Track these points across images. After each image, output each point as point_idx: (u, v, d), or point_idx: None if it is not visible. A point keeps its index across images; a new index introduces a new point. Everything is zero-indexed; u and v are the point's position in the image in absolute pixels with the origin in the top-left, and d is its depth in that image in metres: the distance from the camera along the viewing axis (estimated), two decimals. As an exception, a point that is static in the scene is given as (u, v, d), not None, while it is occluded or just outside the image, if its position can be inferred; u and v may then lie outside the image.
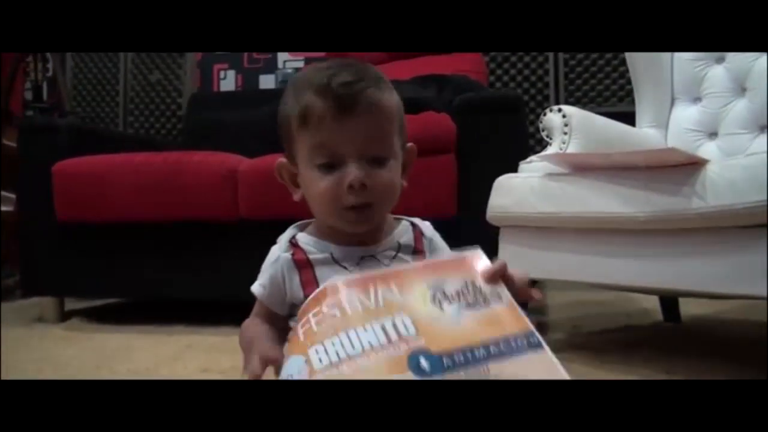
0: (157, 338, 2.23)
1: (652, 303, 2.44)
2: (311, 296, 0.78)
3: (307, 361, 0.72)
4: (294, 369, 0.73)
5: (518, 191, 1.82)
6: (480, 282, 0.79)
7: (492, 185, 1.89)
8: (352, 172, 0.85)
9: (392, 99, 0.91)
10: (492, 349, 0.73)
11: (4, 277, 3.27)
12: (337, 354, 0.71)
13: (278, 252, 0.93)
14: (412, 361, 0.71)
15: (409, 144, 0.96)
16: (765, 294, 1.35)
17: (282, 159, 0.96)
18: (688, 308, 2.37)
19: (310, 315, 0.76)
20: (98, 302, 2.95)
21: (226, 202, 2.40)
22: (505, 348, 0.73)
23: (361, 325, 0.73)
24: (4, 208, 3.30)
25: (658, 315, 2.39)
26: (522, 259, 1.84)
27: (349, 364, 0.70)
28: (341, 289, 0.77)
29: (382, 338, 0.72)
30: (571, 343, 2.08)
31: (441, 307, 0.76)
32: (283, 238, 0.95)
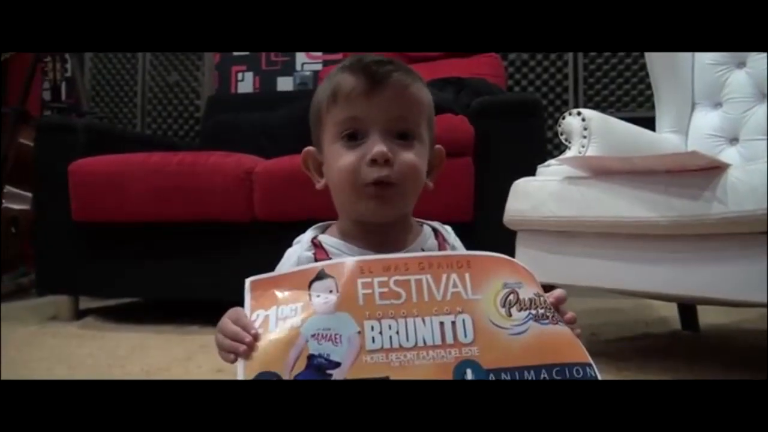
0: (170, 338, 2.23)
1: (671, 311, 2.41)
2: (383, 258, 0.77)
3: (361, 334, 0.71)
4: (343, 330, 0.71)
5: (536, 195, 1.80)
6: (550, 301, 0.78)
7: (509, 189, 1.87)
8: (376, 145, 0.84)
9: (422, 90, 0.91)
10: (543, 373, 0.72)
11: (20, 275, 3.29)
12: (391, 340, 0.71)
13: (298, 251, 0.92)
14: (458, 371, 0.71)
15: (438, 146, 0.95)
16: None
17: (310, 147, 0.96)
18: (706, 317, 2.34)
19: (376, 280, 0.74)
20: (112, 302, 2.95)
21: (242, 203, 2.39)
22: (558, 375, 0.72)
23: (422, 316, 0.72)
24: (20, 207, 3.32)
25: (677, 323, 2.36)
26: (539, 263, 1.81)
27: (398, 355, 0.70)
28: (414, 268, 0.75)
29: (438, 337, 0.72)
30: (588, 350, 2.04)
31: (510, 312, 0.75)
32: (304, 238, 0.94)
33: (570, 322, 0.79)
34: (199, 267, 2.45)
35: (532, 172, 1.92)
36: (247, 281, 0.77)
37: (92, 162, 2.55)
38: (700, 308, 2.31)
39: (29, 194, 3.26)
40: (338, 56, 3.84)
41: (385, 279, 0.74)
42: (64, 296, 2.64)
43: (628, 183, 1.58)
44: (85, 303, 2.77)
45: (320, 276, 0.75)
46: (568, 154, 1.91)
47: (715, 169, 1.43)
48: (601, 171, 1.69)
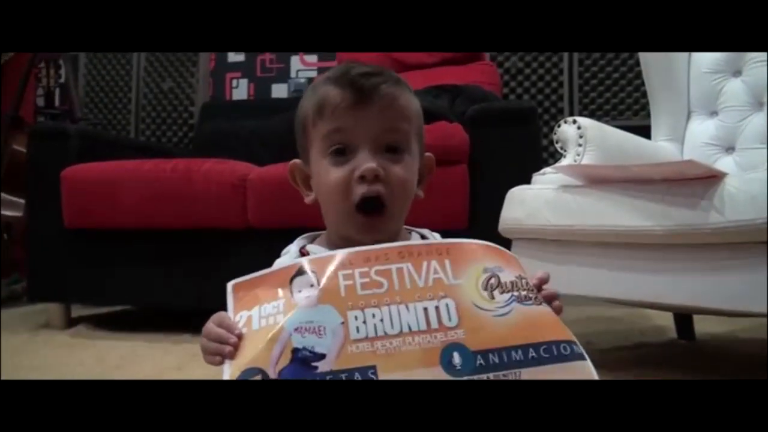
0: (162, 347, 2.21)
1: (666, 320, 2.39)
2: (363, 249, 0.76)
3: (345, 324, 0.71)
4: (327, 322, 0.71)
5: (531, 203, 1.78)
6: (533, 282, 0.78)
7: (505, 197, 1.85)
8: (365, 160, 0.83)
9: (411, 100, 0.89)
10: (531, 352, 0.72)
11: (12, 282, 3.26)
12: (375, 328, 0.71)
13: (286, 262, 0.90)
14: (445, 354, 0.70)
15: (428, 153, 0.93)
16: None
17: (296, 160, 0.94)
18: (702, 326, 2.33)
19: (357, 271, 0.73)
20: (105, 309, 2.93)
21: (235, 210, 2.38)
22: (545, 353, 0.72)
23: (405, 303, 0.72)
24: (13, 214, 3.30)
25: (672, 332, 2.35)
26: (534, 272, 1.80)
27: (384, 343, 0.70)
28: (394, 257, 0.75)
29: (422, 322, 0.71)
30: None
31: (492, 295, 0.74)
32: (292, 249, 0.92)
33: (552, 298, 0.79)
34: (193, 275, 2.43)
35: (527, 180, 1.91)
36: (229, 284, 0.77)
37: (85, 168, 2.53)
38: (696, 317, 2.29)
39: (22, 201, 3.23)
40: (333, 64, 3.83)
41: (366, 269, 0.74)
42: (55, 304, 2.62)
43: (624, 192, 1.57)
44: (77, 311, 2.75)
45: (301, 272, 0.74)
46: (564, 162, 1.90)
47: (712, 178, 1.42)
48: (598, 179, 1.67)
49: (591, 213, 1.64)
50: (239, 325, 0.74)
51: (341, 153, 0.85)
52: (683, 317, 2.29)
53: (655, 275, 1.56)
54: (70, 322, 2.63)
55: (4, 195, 3.34)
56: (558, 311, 0.78)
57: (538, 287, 0.78)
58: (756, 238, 1.35)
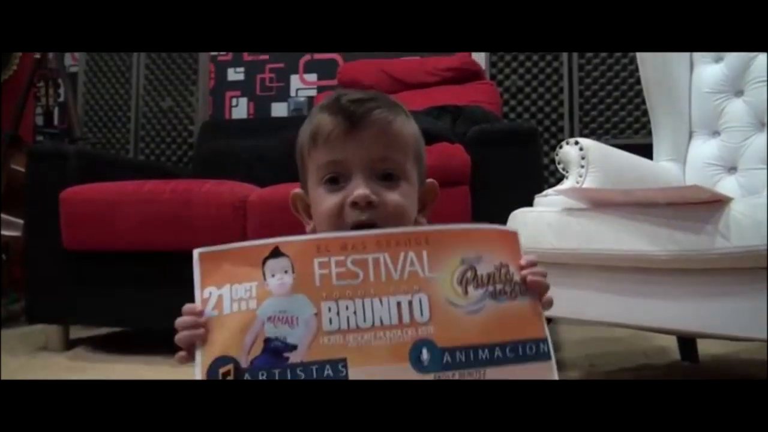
0: (161, 369, 2.19)
1: (670, 341, 2.38)
2: (340, 236, 0.76)
3: (318, 315, 0.71)
4: (300, 312, 0.71)
5: (534, 226, 1.77)
6: (513, 268, 0.77)
7: (507, 218, 1.84)
8: (358, 187, 0.82)
9: (407, 125, 0.89)
10: (497, 352, 0.73)
11: (10, 302, 3.24)
12: (348, 321, 0.71)
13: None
14: (414, 351, 0.71)
15: (430, 180, 0.92)
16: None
17: (297, 189, 0.94)
18: (706, 347, 2.32)
19: (332, 260, 0.73)
20: (104, 331, 2.91)
21: (235, 231, 2.36)
22: (511, 353, 0.73)
23: (378, 296, 0.72)
24: (11, 234, 3.28)
25: (676, 354, 2.33)
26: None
27: (355, 336, 0.70)
28: (372, 246, 0.74)
29: (395, 317, 0.72)
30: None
31: (466, 290, 0.74)
32: None
33: (540, 275, 0.78)
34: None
35: (529, 201, 1.89)
36: (196, 252, 0.76)
37: (84, 190, 2.52)
38: (699, 339, 2.28)
39: (20, 221, 3.22)
40: (333, 82, 3.83)
41: (342, 258, 0.73)
42: (54, 325, 2.59)
43: (629, 215, 1.56)
44: (76, 332, 2.73)
45: (275, 254, 0.73)
46: (566, 183, 1.88)
47: (717, 202, 1.41)
48: (601, 203, 1.66)
49: (595, 236, 1.62)
50: (209, 304, 0.74)
51: (335, 181, 0.85)
52: (686, 339, 2.28)
53: (660, 300, 1.54)
54: (69, 344, 2.61)
55: (2, 215, 3.33)
56: (544, 290, 0.79)
57: (530, 265, 0.78)
58: (762, 264, 1.34)
